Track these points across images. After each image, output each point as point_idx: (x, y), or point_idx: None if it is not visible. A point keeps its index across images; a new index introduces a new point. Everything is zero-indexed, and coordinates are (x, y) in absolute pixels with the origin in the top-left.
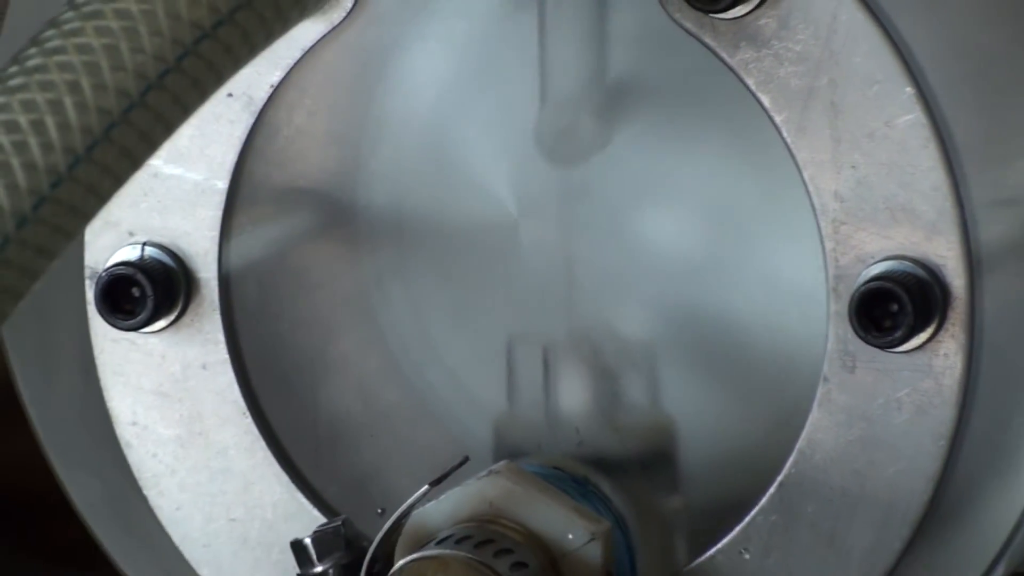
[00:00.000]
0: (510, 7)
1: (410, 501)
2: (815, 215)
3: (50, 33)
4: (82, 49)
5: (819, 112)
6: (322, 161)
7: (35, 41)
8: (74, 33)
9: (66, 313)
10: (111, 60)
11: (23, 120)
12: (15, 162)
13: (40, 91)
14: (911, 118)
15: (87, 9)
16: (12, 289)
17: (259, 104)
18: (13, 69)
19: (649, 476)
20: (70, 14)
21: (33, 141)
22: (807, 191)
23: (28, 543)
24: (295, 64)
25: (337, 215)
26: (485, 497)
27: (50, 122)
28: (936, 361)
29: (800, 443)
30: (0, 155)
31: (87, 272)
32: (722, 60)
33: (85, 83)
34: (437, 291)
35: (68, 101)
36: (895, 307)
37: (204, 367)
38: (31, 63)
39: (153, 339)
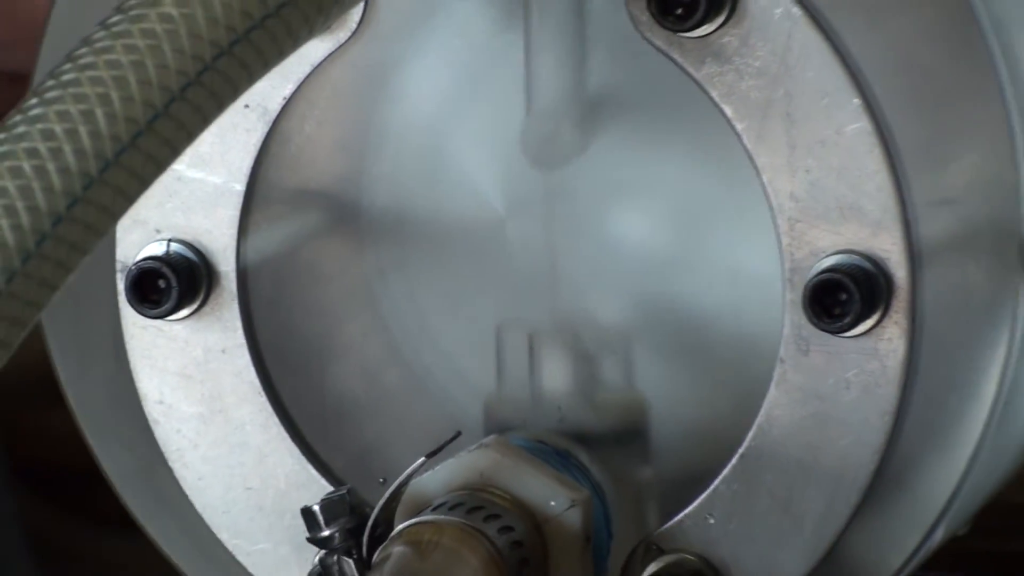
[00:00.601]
0: (499, 28)
1: (408, 471)
2: (773, 214)
3: (83, 51)
4: (112, 65)
5: (776, 121)
6: (330, 166)
7: (69, 57)
8: (105, 51)
9: (99, 303)
10: (138, 75)
11: (58, 129)
12: (51, 167)
13: (74, 103)
14: (858, 127)
15: (116, 29)
16: (48, 281)
17: (273, 114)
18: (50, 83)
19: (624, 449)
20: (101, 33)
21: (67, 148)
22: (765, 192)
23: (77, 508)
24: (305, 78)
25: (343, 214)
26: (476, 468)
27: (83, 131)
28: (881, 345)
29: (759, 419)
30: (37, 160)
31: (118, 266)
32: (689, 75)
33: (114, 96)
34: (433, 282)
35: (99, 112)
36: (844, 296)
37: (223, 351)
38: (65, 77)
39: (177, 326)
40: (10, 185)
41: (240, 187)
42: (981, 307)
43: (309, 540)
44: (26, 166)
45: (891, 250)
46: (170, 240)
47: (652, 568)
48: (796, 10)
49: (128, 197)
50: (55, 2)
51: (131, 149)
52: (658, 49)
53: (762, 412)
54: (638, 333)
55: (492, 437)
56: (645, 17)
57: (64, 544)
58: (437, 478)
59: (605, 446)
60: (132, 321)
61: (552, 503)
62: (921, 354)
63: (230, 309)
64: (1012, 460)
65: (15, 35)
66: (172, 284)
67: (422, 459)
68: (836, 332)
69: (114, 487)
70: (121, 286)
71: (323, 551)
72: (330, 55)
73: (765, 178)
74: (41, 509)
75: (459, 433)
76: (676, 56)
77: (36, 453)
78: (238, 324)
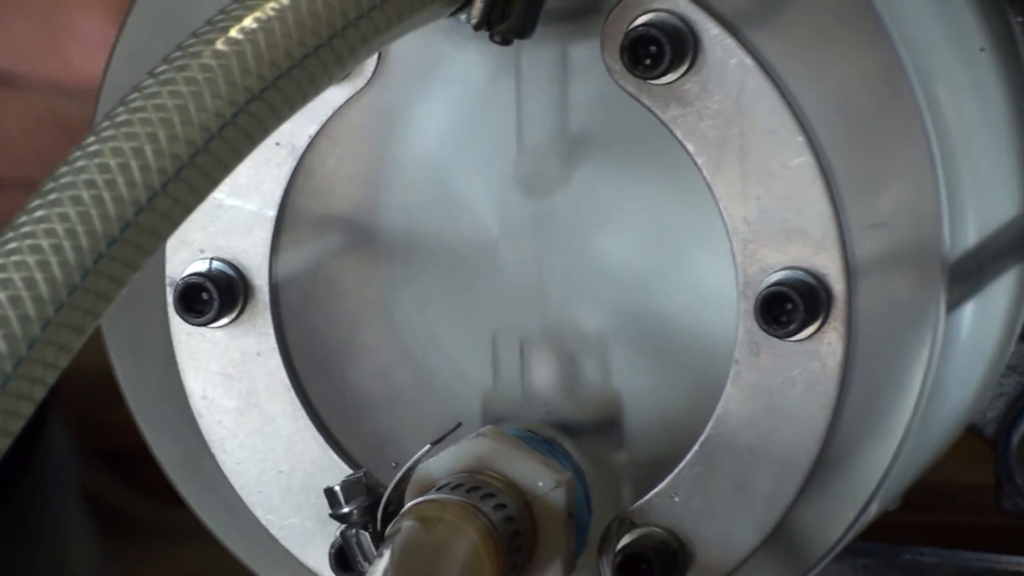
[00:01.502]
0: (494, 77)
1: (416, 457)
2: (728, 235)
3: (133, 95)
4: (158, 108)
5: (731, 156)
6: (349, 195)
7: (122, 102)
8: (152, 96)
9: (151, 313)
10: (182, 117)
11: (113, 163)
12: (106, 196)
13: (126, 140)
14: (802, 160)
15: (163, 77)
16: (117, 277)
17: (300, 150)
18: (105, 123)
19: (602, 437)
20: (150, 80)
21: (120, 180)
22: (722, 217)
23: (132, 485)
24: (328, 119)
25: (360, 236)
26: (474, 454)
27: (134, 165)
28: (822, 348)
29: (717, 411)
30: (95, 190)
31: (167, 281)
32: (656, 116)
33: (161, 134)
34: (438, 295)
35: (147, 148)
36: (790, 306)
37: (258, 354)
38: (119, 119)
39: (218, 332)
40: (71, 212)
41: (272, 213)
42: (908, 315)
43: (331, 516)
44: (85, 194)
45: (830, 267)
46: (212, 259)
47: (625, 540)
48: (749, 61)
49: (174, 222)
50: (111, 59)
51: (176, 181)
52: (629, 94)
53: (720, 405)
54: (614, 338)
55: (488, 427)
56: (619, 67)
57: (120, 513)
58: (441, 462)
59: (586, 435)
60: (179, 328)
61: (540, 484)
62: (856, 355)
63: (264, 317)
64: (935, 446)
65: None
66: (214, 296)
67: (428, 446)
68: (783, 337)
69: (164, 470)
70: (170, 298)
71: (343, 525)
72: (349, 100)
73: (722, 205)
74: (102, 484)
75: (460, 424)
76: (645, 100)
77: (99, 439)
78: (270, 330)
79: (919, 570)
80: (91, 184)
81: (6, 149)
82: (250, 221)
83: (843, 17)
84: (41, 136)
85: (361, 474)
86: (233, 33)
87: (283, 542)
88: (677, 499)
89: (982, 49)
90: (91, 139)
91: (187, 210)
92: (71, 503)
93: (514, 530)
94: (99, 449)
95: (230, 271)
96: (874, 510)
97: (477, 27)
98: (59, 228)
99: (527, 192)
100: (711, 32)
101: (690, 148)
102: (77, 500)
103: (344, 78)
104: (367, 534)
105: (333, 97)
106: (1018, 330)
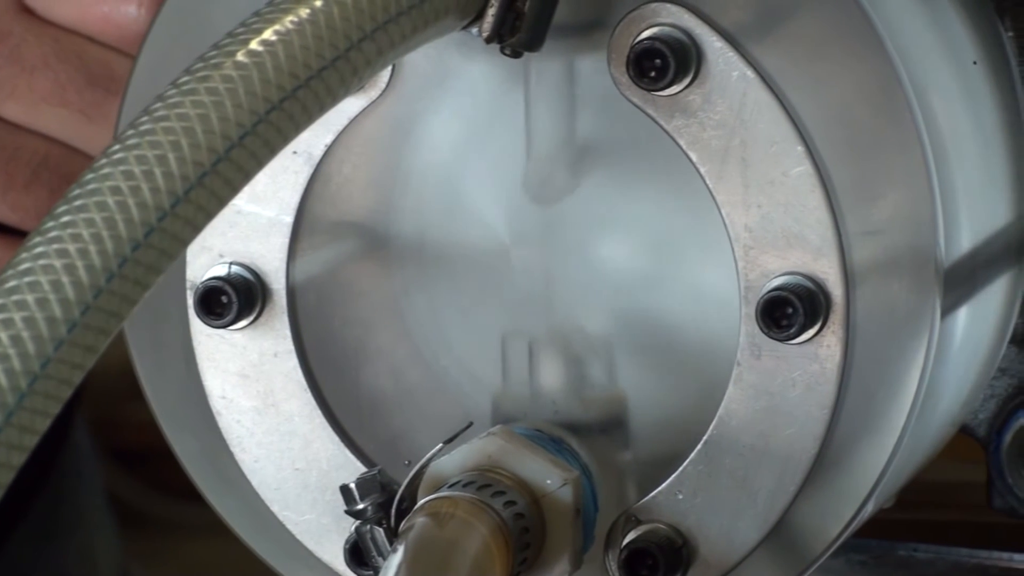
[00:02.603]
0: (503, 88)
1: (429, 455)
2: (730, 242)
3: (156, 105)
4: (181, 117)
5: (733, 165)
6: (363, 201)
7: (146, 111)
8: (174, 106)
9: (172, 316)
10: (203, 126)
11: (137, 170)
12: (131, 202)
13: (150, 148)
14: (802, 169)
15: (185, 88)
16: (140, 281)
17: (316, 159)
18: (129, 132)
19: (607, 436)
20: (172, 91)
21: (145, 187)
22: (724, 224)
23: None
24: (343, 129)
25: (374, 242)
26: (485, 452)
27: (157, 172)
28: (821, 350)
29: (720, 411)
30: (120, 196)
31: (188, 284)
32: (661, 126)
33: (184, 143)
34: (449, 298)
35: (171, 156)
36: (790, 311)
37: (275, 355)
38: (143, 127)
39: (237, 334)
40: (97, 217)
41: (289, 219)
42: (904, 318)
43: (346, 512)
44: (110, 200)
45: (829, 272)
46: (231, 263)
47: (631, 536)
48: (750, 73)
49: (196, 227)
50: (134, 69)
51: (198, 188)
52: (635, 105)
53: (722, 406)
54: (619, 340)
55: (498, 427)
56: (625, 79)
57: (132, 509)
58: (453, 460)
59: (592, 434)
60: (199, 330)
61: (548, 481)
62: (854, 358)
63: (281, 320)
64: (929, 445)
65: None
66: (233, 300)
67: (440, 445)
68: (783, 340)
69: (184, 467)
70: (190, 301)
71: (358, 521)
72: (364, 110)
73: (724, 212)
74: (124, 481)
75: (471, 424)
76: (650, 111)
77: (121, 437)
78: (287, 333)
79: (913, 566)
80: (116, 191)
81: (25, 80)
82: (268, 227)
83: (841, 32)
84: (61, 71)
85: (375, 472)
86: (253, 45)
87: (299, 537)
88: (681, 496)
89: (975, 62)
90: (116, 147)
91: (209, 216)
92: (96, 501)
93: (523, 526)
94: (111, 446)
95: (248, 275)
96: (871, 508)
97: (488, 40)
98: (85, 233)
99: (535, 199)
100: (714, 45)
101: (693, 157)
102: (102, 497)
103: (359, 89)
104: (381, 530)
105: (349, 107)
106: (1009, 334)
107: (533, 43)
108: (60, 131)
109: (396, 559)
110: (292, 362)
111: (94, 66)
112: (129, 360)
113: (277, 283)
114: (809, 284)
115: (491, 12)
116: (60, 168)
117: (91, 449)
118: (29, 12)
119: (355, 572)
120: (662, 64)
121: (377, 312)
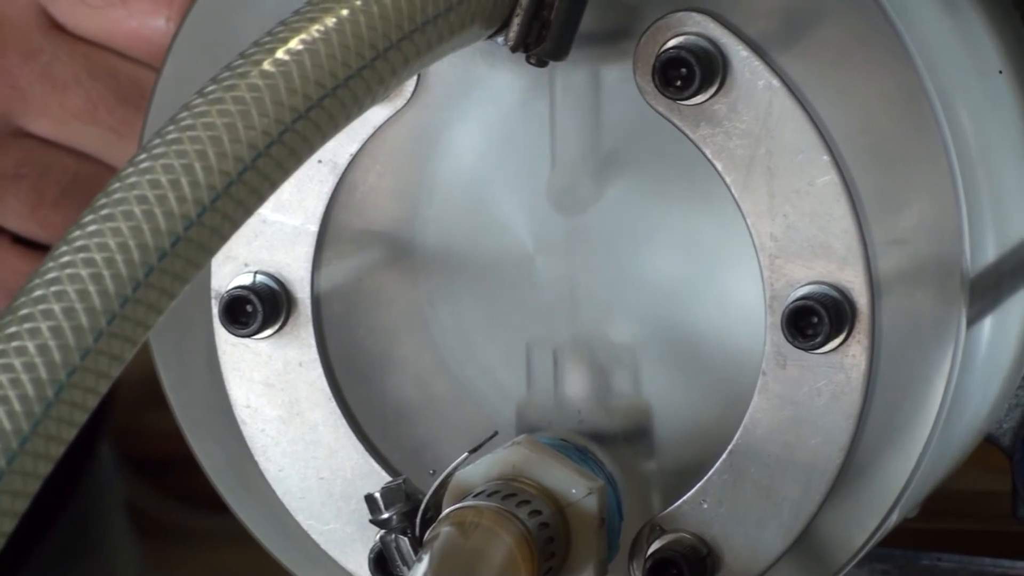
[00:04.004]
0: (528, 97)
1: (454, 465)
2: (756, 251)
3: (183, 114)
4: (208, 127)
5: (759, 174)
6: (388, 211)
7: (172, 120)
8: (200, 115)
9: (197, 324)
10: (230, 135)
11: (164, 179)
12: (158, 210)
13: (177, 158)
14: (827, 179)
15: (211, 97)
16: (167, 290)
17: (342, 168)
18: (156, 140)
19: (632, 446)
20: (198, 100)
21: (171, 196)
22: (750, 233)
23: (175, 491)
24: (369, 138)
25: (399, 251)
26: (510, 461)
27: (184, 181)
28: (846, 360)
29: (745, 421)
30: (146, 205)
31: (213, 293)
32: (686, 135)
33: (211, 152)
34: (474, 307)
35: (197, 166)
36: (816, 320)
37: (300, 364)
38: (170, 136)
39: (262, 343)
40: (123, 226)
41: (314, 228)
42: (929, 328)
43: (371, 522)
44: (136, 209)
45: (854, 281)
46: (256, 272)
47: (656, 545)
48: (776, 82)
49: (222, 236)
50: (159, 79)
51: (224, 197)
52: (661, 114)
53: (747, 415)
54: (644, 349)
55: (523, 436)
56: (650, 88)
57: (152, 517)
58: (478, 470)
59: (617, 443)
60: (224, 339)
61: (573, 491)
62: (880, 367)
63: (306, 329)
64: (954, 455)
65: None
66: (258, 309)
67: (465, 454)
68: (809, 349)
69: (208, 476)
70: (215, 310)
71: (383, 531)
72: (389, 119)
73: (749, 221)
74: (143, 490)
75: (496, 433)
76: (676, 120)
77: (140, 446)
78: (312, 342)
79: (937, 575)
80: (143, 200)
81: (56, 97)
82: (293, 236)
83: (867, 40)
84: (92, 88)
85: (400, 481)
86: (280, 54)
87: (324, 547)
88: (706, 506)
89: (1000, 71)
90: (142, 156)
91: (235, 225)
92: (119, 516)
93: (548, 536)
94: (130, 455)
95: (273, 284)
96: (896, 517)
97: (514, 49)
98: (112, 242)
99: (560, 208)
100: (740, 54)
101: (719, 166)
102: (123, 512)
103: (385, 99)
104: (406, 539)
105: (374, 116)
106: None
107: (559, 52)
108: (91, 148)
109: (421, 568)
110: (317, 371)
111: (125, 83)
112: (148, 369)
113: (302, 292)
114: (835, 293)
115: (517, 21)
116: (90, 185)
117: (114, 463)
118: (60, 29)
119: None
120: (688, 73)
121: (402, 321)
